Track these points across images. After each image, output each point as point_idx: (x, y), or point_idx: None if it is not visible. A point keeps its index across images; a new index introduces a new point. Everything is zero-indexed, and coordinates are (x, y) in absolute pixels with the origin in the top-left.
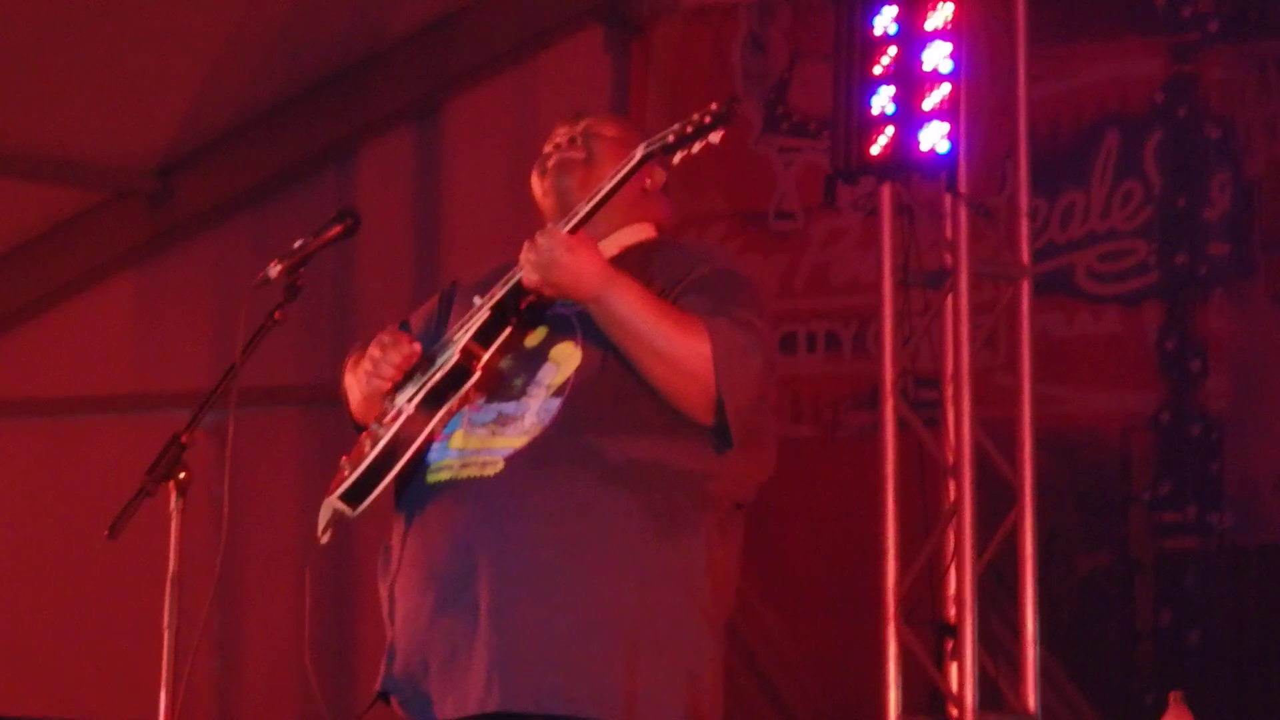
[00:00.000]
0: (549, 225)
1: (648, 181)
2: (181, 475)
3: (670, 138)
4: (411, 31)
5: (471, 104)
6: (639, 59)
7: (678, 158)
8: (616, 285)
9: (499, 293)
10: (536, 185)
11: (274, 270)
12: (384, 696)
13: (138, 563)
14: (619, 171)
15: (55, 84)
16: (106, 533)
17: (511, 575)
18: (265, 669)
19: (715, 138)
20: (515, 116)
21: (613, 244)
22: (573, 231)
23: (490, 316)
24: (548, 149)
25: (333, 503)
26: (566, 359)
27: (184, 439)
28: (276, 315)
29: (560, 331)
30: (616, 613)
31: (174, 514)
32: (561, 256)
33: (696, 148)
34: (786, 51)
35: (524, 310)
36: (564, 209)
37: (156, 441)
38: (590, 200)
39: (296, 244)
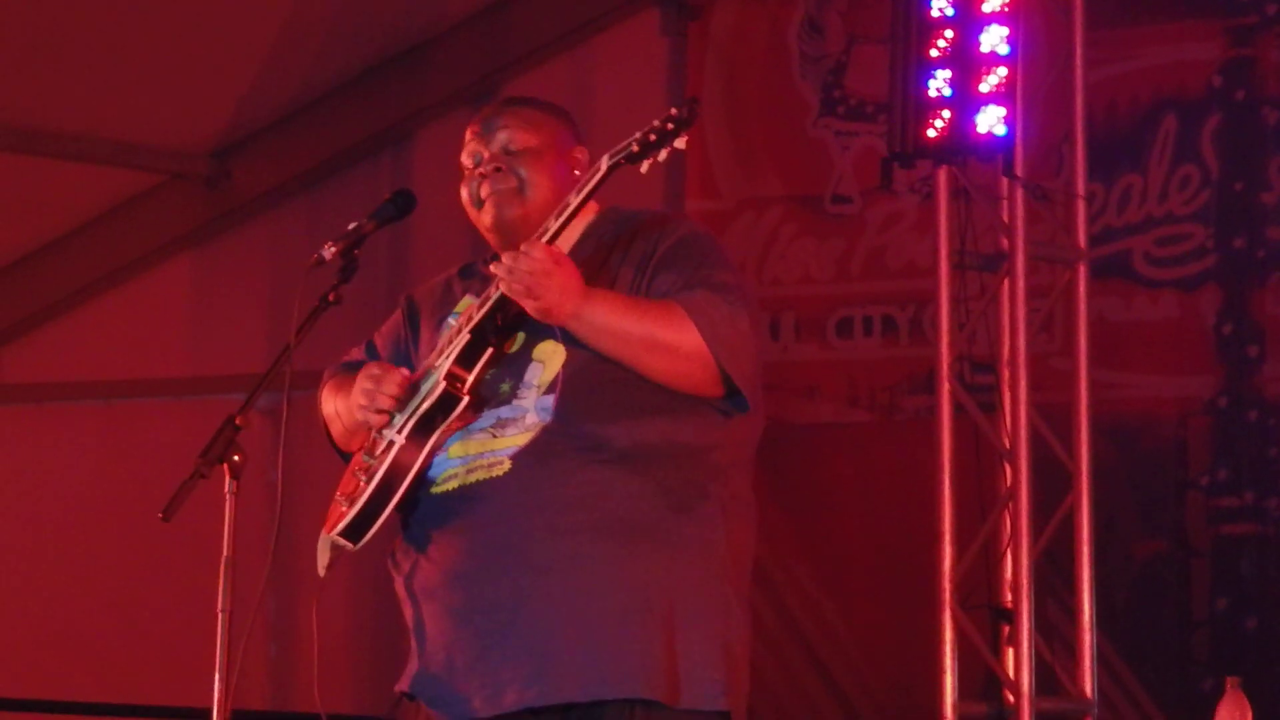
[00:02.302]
0: (529, 240)
1: (576, 172)
2: (236, 458)
3: (634, 146)
4: (468, 14)
5: (528, 87)
6: (695, 42)
7: (645, 166)
8: (593, 299)
9: (477, 316)
10: (474, 215)
11: (328, 252)
12: (411, 696)
13: (192, 546)
14: (585, 185)
15: (112, 67)
16: (160, 515)
17: (537, 567)
18: (319, 652)
19: (680, 143)
20: (572, 100)
21: (570, 233)
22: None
23: (470, 340)
24: (468, 163)
25: (332, 539)
26: (550, 356)
27: (238, 421)
28: (331, 297)
29: (538, 332)
30: (648, 591)
31: (228, 497)
32: (552, 268)
33: (663, 155)
34: (843, 34)
35: (502, 327)
36: (511, 241)
37: (212, 424)
38: (559, 216)
39: (351, 225)
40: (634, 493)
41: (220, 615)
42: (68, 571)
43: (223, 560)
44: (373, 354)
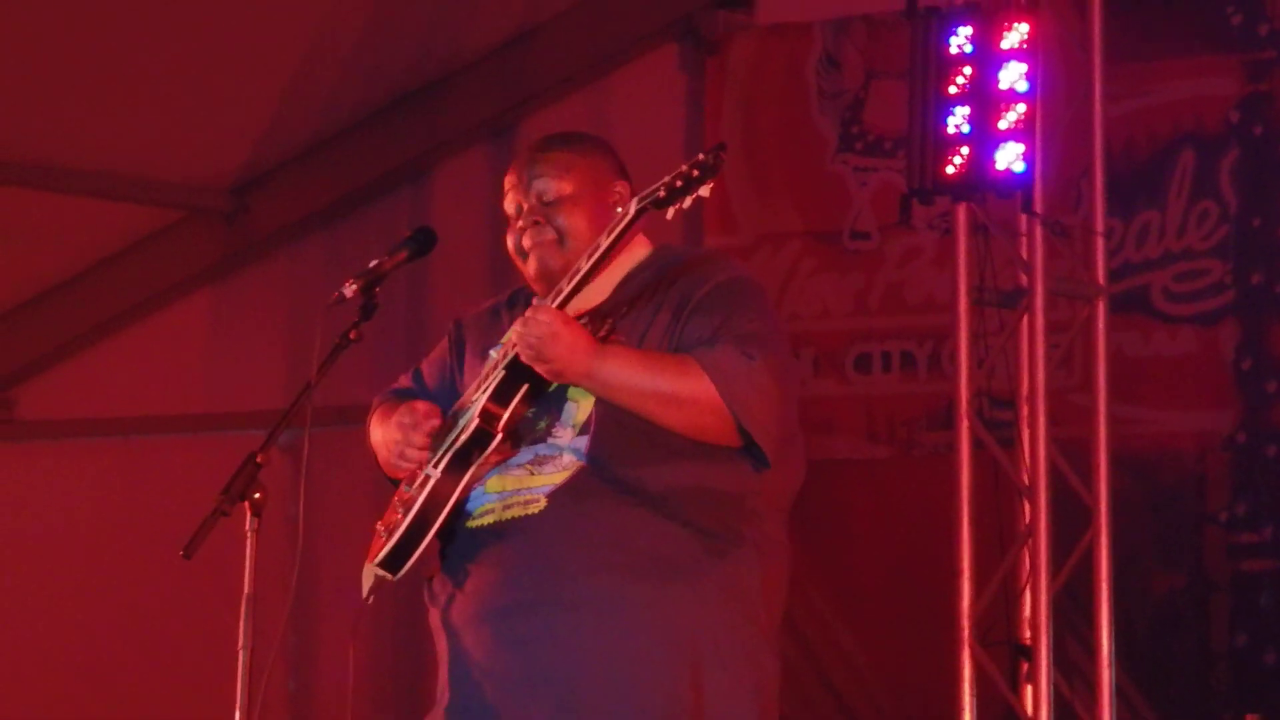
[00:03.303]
0: (538, 301)
1: (619, 208)
2: (256, 495)
3: (661, 192)
4: (487, 50)
5: (547, 122)
6: (714, 77)
7: (670, 213)
8: (605, 357)
9: (512, 352)
10: (519, 265)
11: (349, 289)
12: None
13: (213, 582)
14: (614, 228)
15: (130, 103)
16: (182, 553)
17: (569, 606)
18: (338, 689)
19: (705, 191)
20: None
21: (617, 270)
22: (561, 307)
23: (506, 375)
24: (510, 212)
25: (373, 569)
26: (583, 395)
27: (259, 458)
28: (352, 334)
29: None
30: (677, 634)
31: (249, 534)
32: (560, 330)
33: (688, 202)
34: (861, 70)
35: None
36: (556, 284)
37: (230, 461)
38: (590, 258)
39: (372, 263)
40: (669, 534)
41: (241, 652)
42: (87, 608)
43: (244, 597)
44: (419, 382)
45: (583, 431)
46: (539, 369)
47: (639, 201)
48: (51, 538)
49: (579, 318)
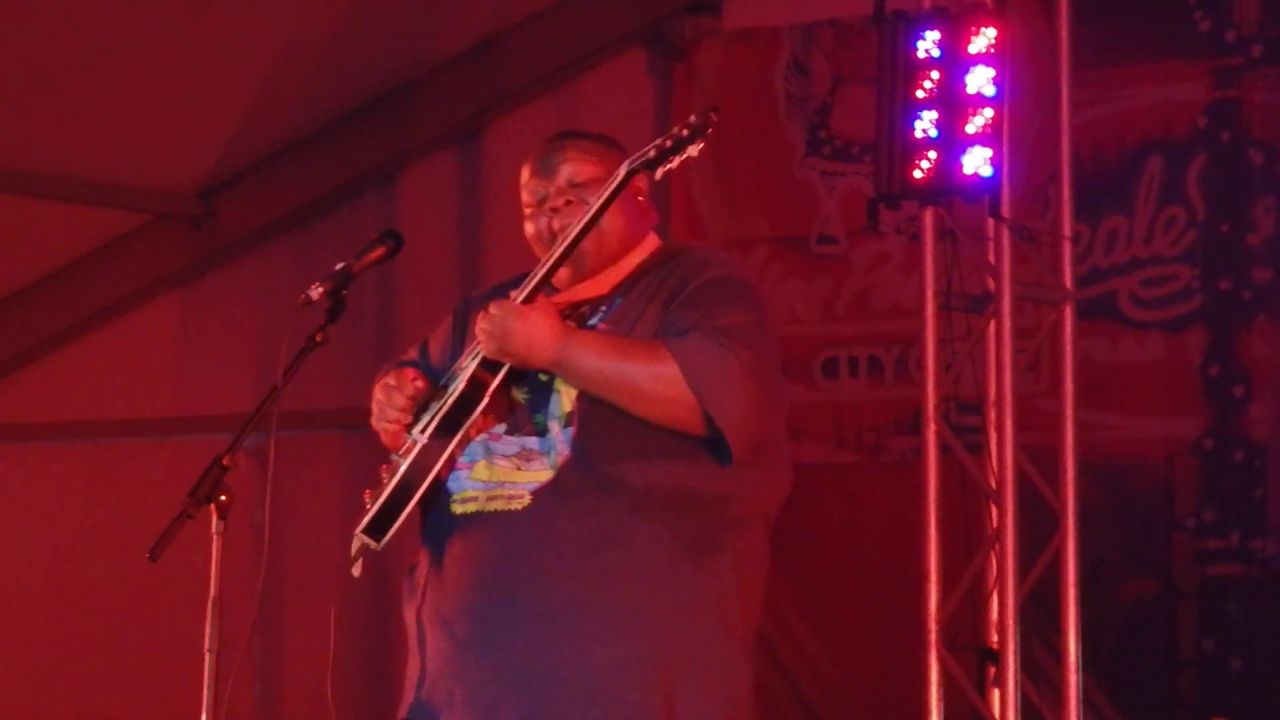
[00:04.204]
0: (495, 301)
1: (640, 199)
2: (223, 498)
3: (651, 153)
4: (454, 55)
5: (514, 127)
6: (681, 82)
7: (659, 173)
8: (573, 343)
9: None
10: (541, 252)
11: (315, 292)
12: None
13: (179, 586)
14: (604, 193)
15: (98, 107)
16: (148, 555)
17: (546, 608)
18: (305, 693)
19: (694, 150)
20: None
21: (627, 263)
22: (532, 294)
23: None
24: (531, 201)
25: (359, 537)
26: (568, 387)
27: (225, 461)
28: (318, 337)
29: None
30: (653, 643)
31: (215, 537)
32: (514, 324)
33: (676, 162)
34: (829, 75)
35: None
36: (586, 271)
37: (198, 464)
38: (581, 221)
39: (338, 266)
40: (650, 539)
41: (207, 655)
42: (53, 611)
43: (209, 600)
44: (424, 354)
45: (567, 424)
46: (505, 361)
47: (629, 164)
48: (18, 541)
49: (568, 306)
